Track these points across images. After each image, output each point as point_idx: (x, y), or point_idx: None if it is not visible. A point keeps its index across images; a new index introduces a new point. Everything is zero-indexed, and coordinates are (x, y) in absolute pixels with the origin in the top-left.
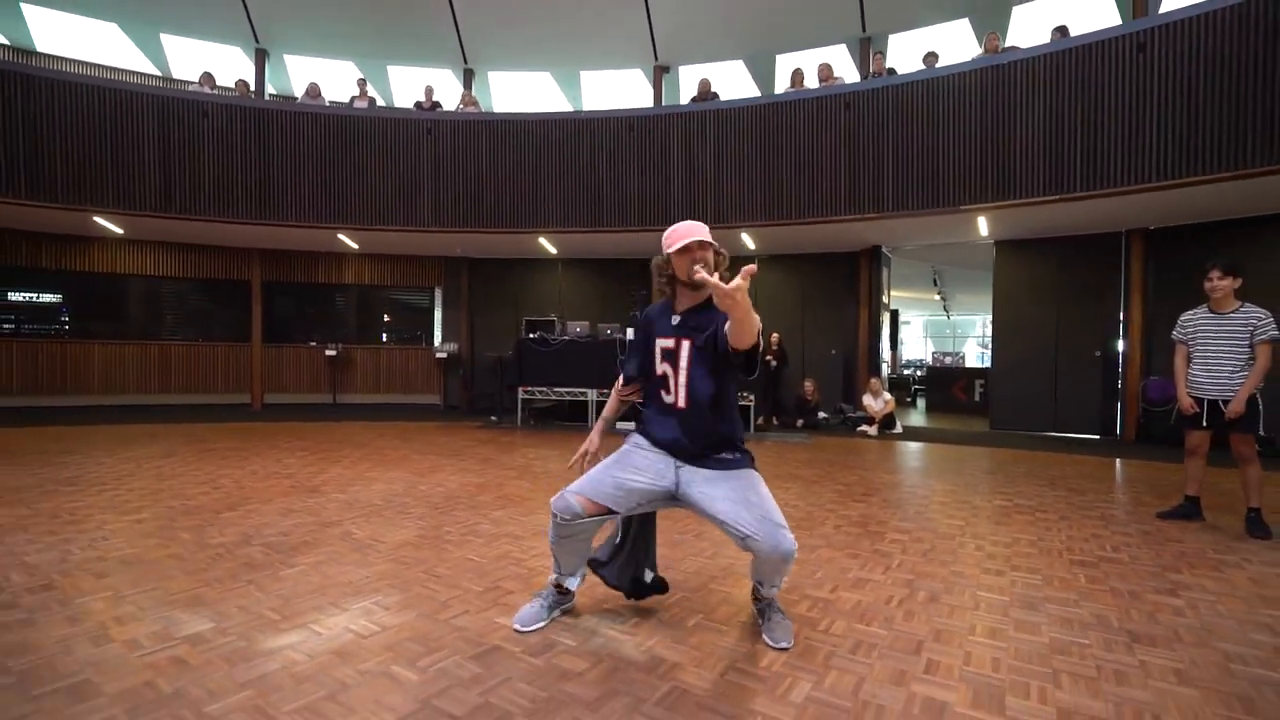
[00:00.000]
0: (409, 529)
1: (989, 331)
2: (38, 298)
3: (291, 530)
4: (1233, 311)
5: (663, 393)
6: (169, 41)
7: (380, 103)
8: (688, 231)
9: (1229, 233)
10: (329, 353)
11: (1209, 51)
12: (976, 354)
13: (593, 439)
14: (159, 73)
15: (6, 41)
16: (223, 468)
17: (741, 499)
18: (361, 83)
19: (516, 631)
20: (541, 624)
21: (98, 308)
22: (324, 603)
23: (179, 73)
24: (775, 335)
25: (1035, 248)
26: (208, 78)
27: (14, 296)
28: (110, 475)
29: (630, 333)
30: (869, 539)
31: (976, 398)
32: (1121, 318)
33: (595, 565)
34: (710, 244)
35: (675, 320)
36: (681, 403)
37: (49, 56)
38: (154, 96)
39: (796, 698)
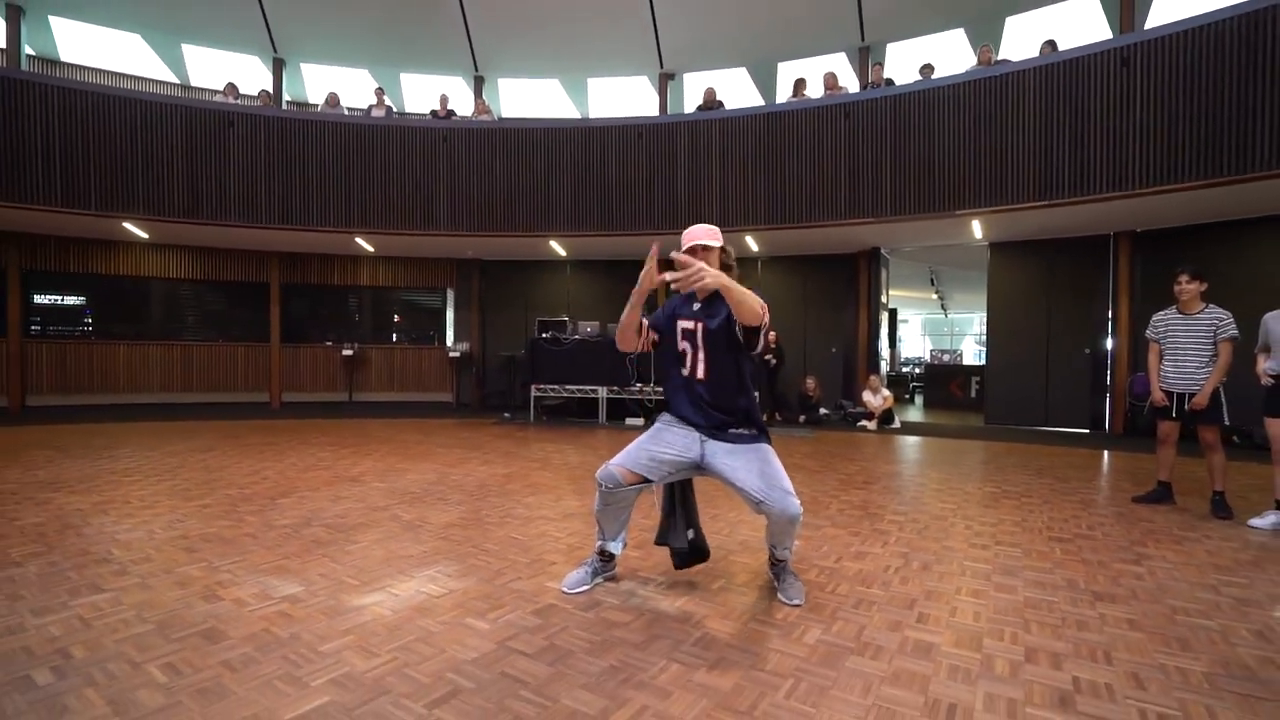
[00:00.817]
0: (451, 512)
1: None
2: (62, 300)
3: (346, 514)
4: (1199, 312)
5: (682, 369)
6: (189, 51)
7: (394, 110)
8: (690, 236)
9: (1210, 235)
10: (345, 352)
11: (1188, 67)
12: (974, 351)
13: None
14: (179, 81)
15: (34, 52)
16: (262, 460)
17: (758, 470)
18: (379, 92)
19: (564, 593)
20: (586, 587)
21: (122, 310)
22: (393, 571)
23: (198, 81)
24: (773, 334)
25: (1027, 249)
26: (232, 88)
27: (40, 299)
28: (163, 467)
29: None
30: (869, 520)
31: (973, 394)
32: (1110, 316)
33: (660, 540)
34: (710, 247)
35: (696, 306)
36: (700, 374)
37: (73, 66)
38: (181, 107)
39: (809, 640)
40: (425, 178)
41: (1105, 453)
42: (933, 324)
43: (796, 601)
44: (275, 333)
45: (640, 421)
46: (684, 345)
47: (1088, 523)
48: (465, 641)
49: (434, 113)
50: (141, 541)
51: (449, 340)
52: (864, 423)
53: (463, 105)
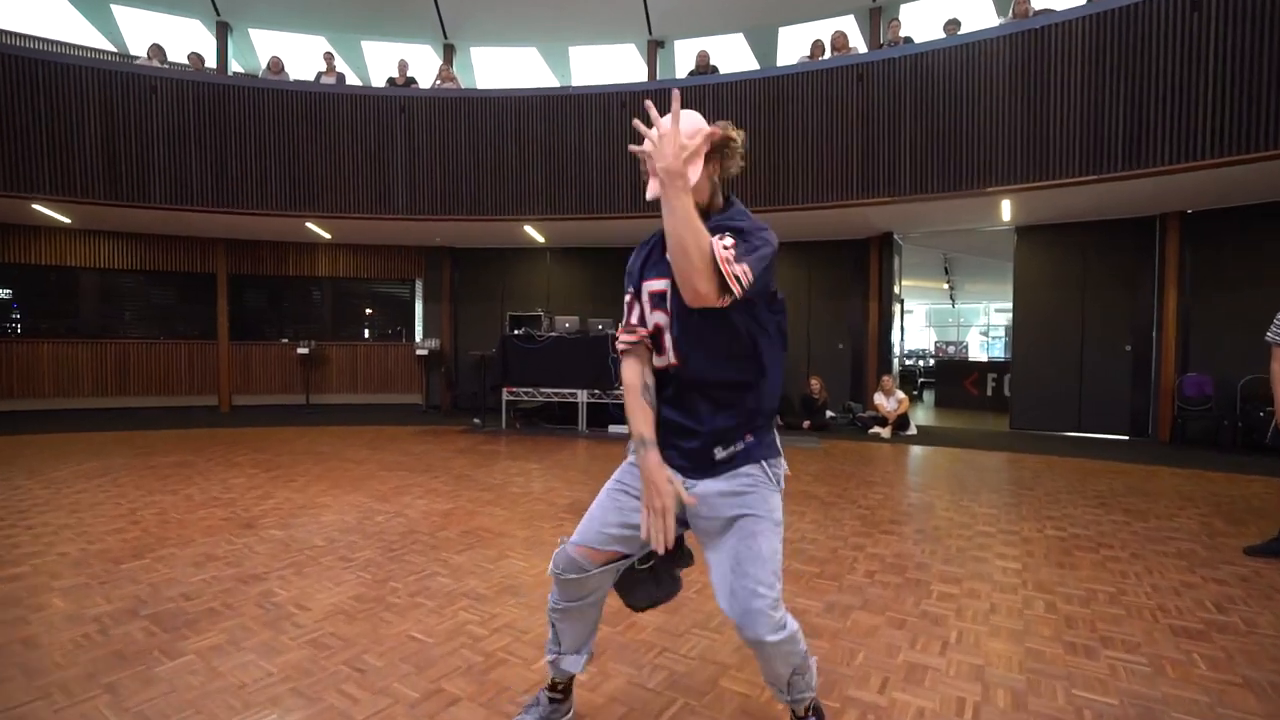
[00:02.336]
0: (346, 586)
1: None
2: None
3: (200, 590)
4: None
5: (656, 357)
6: (121, 13)
7: (354, 80)
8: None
9: (1274, 216)
10: (300, 350)
11: (1274, 9)
12: (980, 343)
13: (660, 487)
14: (114, 49)
15: None
16: (155, 492)
17: (731, 547)
18: (328, 57)
19: None
20: None
21: (46, 303)
22: None
23: (136, 48)
24: None
25: (1060, 233)
26: (157, 50)
27: None
28: (17, 506)
29: None
30: (912, 593)
31: (989, 392)
32: (1155, 308)
33: (638, 602)
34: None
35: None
36: (673, 358)
37: None
38: (96, 71)
39: None
40: (380, 154)
41: (1162, 470)
42: (938, 314)
43: None
44: (224, 329)
45: (625, 429)
46: (656, 317)
47: (1210, 597)
48: None
49: (391, 81)
50: None
51: (418, 336)
52: (876, 429)
53: (429, 76)
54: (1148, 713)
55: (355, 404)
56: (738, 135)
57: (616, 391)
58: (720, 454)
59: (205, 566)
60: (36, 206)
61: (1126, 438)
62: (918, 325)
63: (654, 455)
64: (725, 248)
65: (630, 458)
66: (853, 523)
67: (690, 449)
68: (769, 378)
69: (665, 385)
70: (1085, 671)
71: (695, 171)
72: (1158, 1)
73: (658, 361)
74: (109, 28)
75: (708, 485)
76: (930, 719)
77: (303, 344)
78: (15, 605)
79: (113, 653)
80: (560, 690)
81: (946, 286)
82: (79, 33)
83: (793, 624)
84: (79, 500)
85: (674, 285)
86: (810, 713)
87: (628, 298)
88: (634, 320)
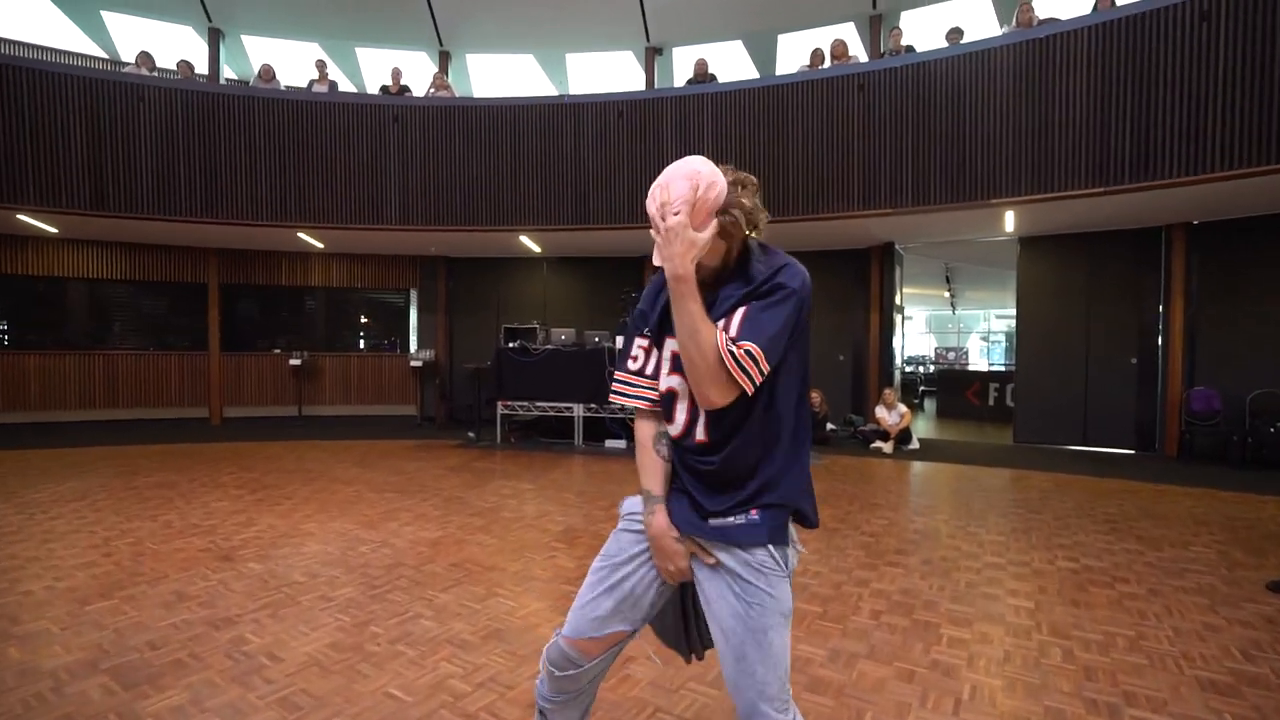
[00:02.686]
0: (324, 631)
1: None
2: None
3: (167, 638)
4: None
5: (669, 423)
6: (112, 20)
7: (348, 87)
8: (666, 175)
9: (1275, 228)
10: (293, 361)
11: None
12: (980, 349)
13: (671, 550)
14: (107, 56)
15: None
16: (133, 518)
17: (738, 638)
18: (320, 65)
19: None
20: None
21: (33, 314)
22: None
23: (127, 55)
24: None
25: (1064, 244)
26: (145, 58)
27: None
28: None
29: (618, 344)
30: (920, 637)
31: (990, 402)
32: (1160, 320)
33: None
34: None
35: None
36: (701, 434)
37: None
38: (81, 79)
39: None
40: (373, 163)
41: (1172, 490)
42: (938, 320)
43: None
44: (215, 340)
45: (622, 444)
46: (671, 381)
47: (1235, 642)
48: None
49: (385, 89)
50: None
51: (412, 347)
52: (878, 444)
53: (424, 83)
54: None
55: (349, 415)
56: (748, 189)
57: (613, 405)
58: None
59: (175, 608)
60: (22, 217)
61: (1133, 452)
62: (918, 331)
63: (662, 517)
64: (731, 340)
65: (622, 521)
66: (856, 552)
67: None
68: (783, 440)
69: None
70: None
71: (705, 240)
72: (1165, 12)
73: (672, 431)
74: (99, 34)
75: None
76: None
77: (295, 355)
78: None
79: (62, 716)
80: None
81: (947, 295)
82: (68, 39)
83: None
84: (53, 528)
85: None
86: None
87: (642, 342)
88: (649, 371)
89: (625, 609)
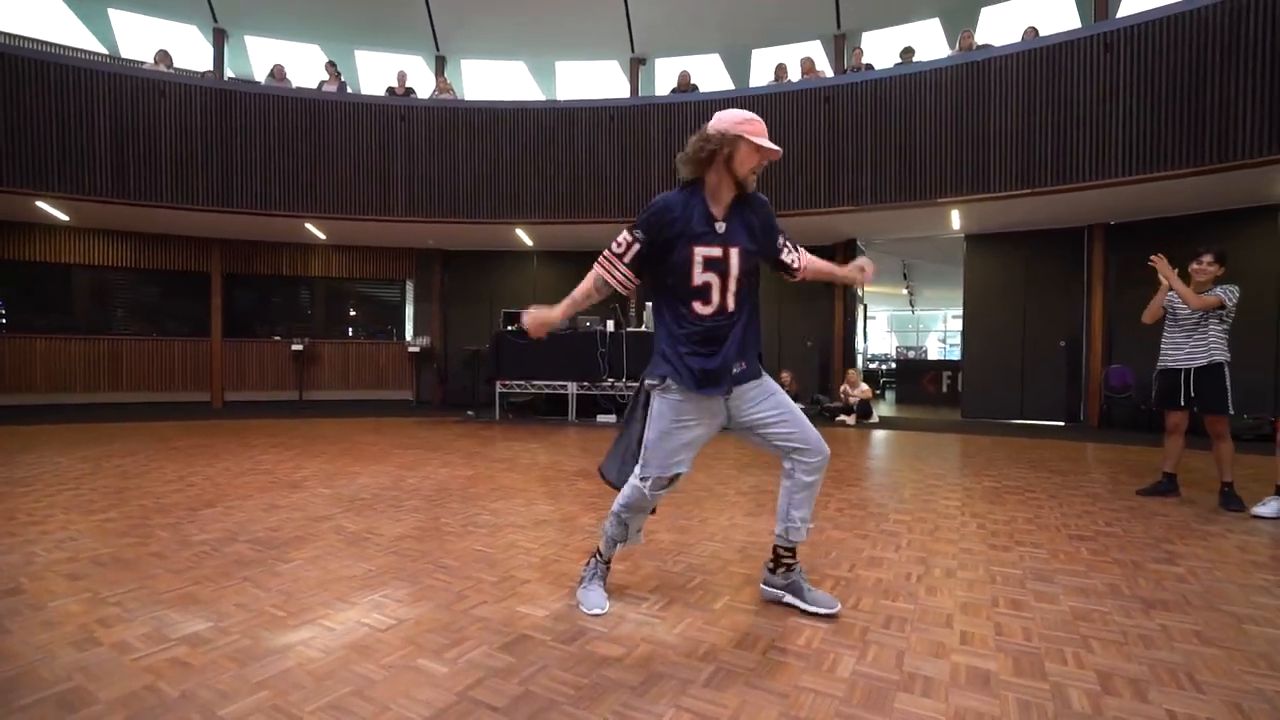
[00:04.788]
0: (405, 522)
1: (951, 326)
2: None
3: (280, 526)
4: (1206, 294)
5: (699, 304)
6: (118, 18)
7: (349, 88)
8: (766, 132)
9: (1182, 228)
10: (295, 347)
11: (1171, 52)
12: (938, 349)
13: (554, 312)
14: (110, 54)
15: None
16: (192, 465)
17: (784, 409)
18: (330, 66)
19: (595, 615)
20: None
21: (40, 300)
22: (330, 598)
23: (130, 53)
24: None
25: (1003, 242)
26: (164, 56)
27: None
28: (69, 475)
29: (609, 327)
30: (873, 520)
31: (944, 389)
32: (1085, 309)
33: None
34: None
35: (720, 227)
36: (732, 305)
37: None
38: (107, 74)
39: (843, 673)
40: (380, 160)
41: (1088, 445)
42: (899, 320)
43: (835, 608)
44: (217, 326)
45: (612, 418)
46: (706, 278)
47: (1104, 518)
48: (415, 693)
49: (391, 90)
50: (14, 567)
51: (408, 335)
52: (842, 417)
53: (423, 87)
54: (1040, 576)
55: (347, 400)
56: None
57: (604, 383)
58: (738, 369)
59: (274, 512)
60: (38, 204)
61: (1062, 424)
62: (881, 330)
63: (567, 307)
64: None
65: (660, 398)
66: (826, 480)
67: (729, 376)
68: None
69: (700, 330)
70: (1002, 558)
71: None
72: (1077, 43)
73: (703, 310)
74: (104, 32)
75: (739, 392)
76: (886, 584)
77: (295, 341)
78: (127, 535)
79: (233, 561)
80: (608, 564)
81: (906, 292)
82: (75, 36)
83: None
84: (125, 469)
85: (727, 251)
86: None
87: (629, 239)
88: (628, 260)
89: (689, 456)
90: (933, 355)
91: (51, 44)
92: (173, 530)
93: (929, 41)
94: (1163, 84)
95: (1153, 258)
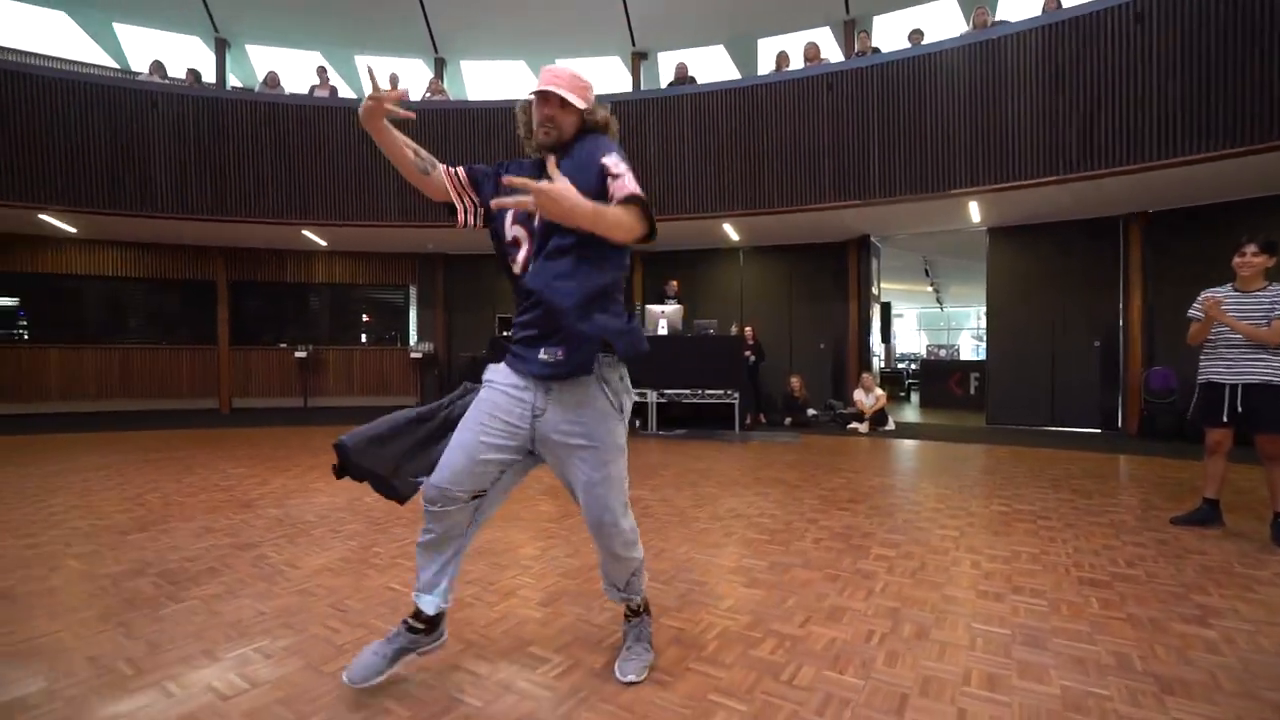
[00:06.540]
0: (334, 551)
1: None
2: None
3: (200, 555)
4: (1258, 290)
5: (511, 264)
6: (123, 31)
7: (348, 93)
8: (551, 78)
9: (1230, 215)
10: (298, 354)
11: (1212, 21)
12: (971, 347)
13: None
14: (116, 65)
15: None
16: (158, 480)
17: (587, 464)
18: (321, 71)
19: (348, 683)
20: (380, 677)
21: (53, 311)
22: (195, 650)
23: (138, 65)
24: (749, 328)
25: (1030, 234)
26: (157, 67)
27: None
28: (32, 490)
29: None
30: (851, 555)
31: (972, 391)
32: (1121, 306)
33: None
34: (569, 104)
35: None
36: (529, 263)
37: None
38: (101, 87)
39: None
40: (374, 164)
41: (1122, 458)
42: (928, 318)
43: (630, 678)
44: (224, 334)
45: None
46: (515, 231)
47: (1124, 556)
48: None
49: None
50: None
51: (411, 340)
52: (855, 425)
53: (421, 88)
54: (1032, 639)
55: (352, 406)
56: (605, 111)
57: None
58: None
59: (204, 537)
60: (44, 217)
61: (1098, 431)
62: (909, 329)
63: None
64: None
65: (485, 376)
66: (811, 501)
67: (527, 359)
68: (605, 290)
69: (518, 288)
70: (989, 611)
71: (574, 197)
72: (1104, 14)
73: (513, 269)
74: (111, 45)
75: (553, 405)
76: (839, 646)
77: (301, 348)
78: (37, 565)
79: (124, 600)
80: (423, 622)
81: (931, 289)
82: (82, 50)
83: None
84: (89, 485)
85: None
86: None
87: (457, 177)
88: (465, 171)
89: (478, 467)
90: (965, 355)
91: (59, 59)
92: (87, 560)
93: (944, 23)
94: (1203, 55)
95: (1206, 304)
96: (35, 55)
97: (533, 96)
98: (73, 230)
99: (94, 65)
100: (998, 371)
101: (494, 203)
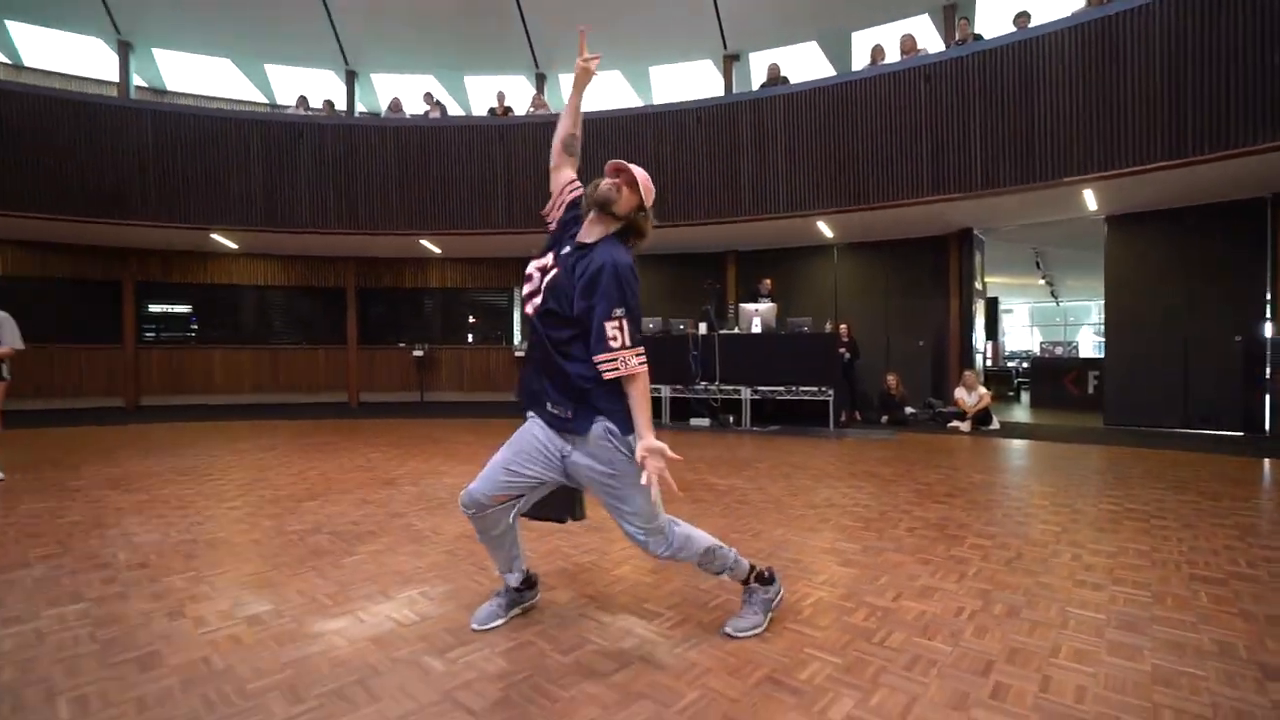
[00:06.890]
0: (467, 523)
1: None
2: (171, 308)
3: (361, 520)
4: None
5: (524, 296)
6: (273, 71)
7: (459, 111)
8: (631, 168)
9: None
10: (416, 353)
11: None
12: (1092, 344)
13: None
14: (267, 101)
15: (144, 83)
16: (314, 461)
17: (600, 482)
18: (428, 97)
19: (473, 630)
20: (498, 621)
21: (218, 316)
22: (374, 590)
23: (283, 99)
24: (844, 325)
25: (1155, 221)
26: (302, 101)
27: (153, 308)
28: (219, 467)
29: (703, 328)
30: (945, 543)
31: (1090, 391)
32: (1269, 297)
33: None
34: (635, 182)
35: (567, 249)
36: (539, 303)
37: (176, 94)
38: (257, 121)
39: (835, 715)
40: (482, 176)
41: (1267, 462)
42: (1042, 313)
43: (726, 629)
44: (352, 335)
45: (706, 423)
46: (532, 266)
47: (1247, 558)
48: (408, 688)
49: (492, 111)
50: (150, 545)
51: (515, 340)
52: (956, 423)
53: (526, 103)
54: (1129, 624)
55: (462, 401)
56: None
57: (697, 386)
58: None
59: (362, 507)
60: (214, 235)
61: (1240, 434)
62: (1020, 325)
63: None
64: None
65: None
66: (908, 494)
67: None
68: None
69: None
70: (1085, 598)
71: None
72: None
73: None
74: (263, 82)
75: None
76: (929, 618)
77: (417, 348)
78: (241, 522)
79: (310, 551)
80: (514, 588)
81: (1043, 282)
82: (241, 89)
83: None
84: (262, 463)
85: (556, 271)
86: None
87: (571, 196)
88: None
89: (510, 481)
90: (1085, 352)
91: (218, 98)
92: (275, 520)
93: (1055, 5)
94: None
95: None
96: (204, 97)
97: (610, 168)
98: (234, 246)
99: (250, 101)
100: (1116, 369)
101: (643, 480)
